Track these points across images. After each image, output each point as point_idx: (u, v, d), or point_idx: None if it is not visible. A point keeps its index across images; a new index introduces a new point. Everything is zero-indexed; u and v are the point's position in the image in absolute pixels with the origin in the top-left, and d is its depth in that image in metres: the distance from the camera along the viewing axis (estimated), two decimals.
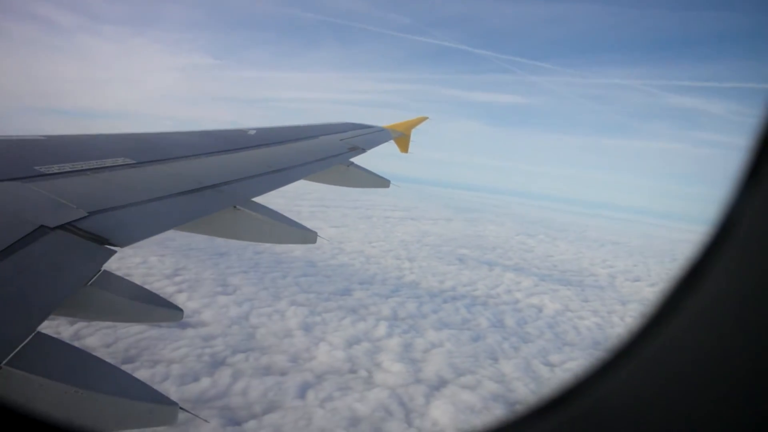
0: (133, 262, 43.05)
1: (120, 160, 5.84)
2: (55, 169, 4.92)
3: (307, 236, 7.13)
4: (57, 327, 28.21)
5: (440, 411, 24.84)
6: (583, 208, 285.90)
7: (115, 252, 4.02)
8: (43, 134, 6.37)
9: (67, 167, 5.08)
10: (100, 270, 3.95)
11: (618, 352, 0.99)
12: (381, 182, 11.39)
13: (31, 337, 2.83)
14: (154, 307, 4.62)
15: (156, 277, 40.53)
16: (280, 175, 7.97)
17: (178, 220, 5.25)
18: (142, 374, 24.38)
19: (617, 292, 58.40)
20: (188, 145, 7.97)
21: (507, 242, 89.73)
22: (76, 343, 16.33)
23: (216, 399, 23.43)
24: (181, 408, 3.43)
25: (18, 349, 2.71)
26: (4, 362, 2.63)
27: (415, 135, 16.25)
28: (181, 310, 4.88)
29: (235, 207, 6.11)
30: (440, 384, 28.21)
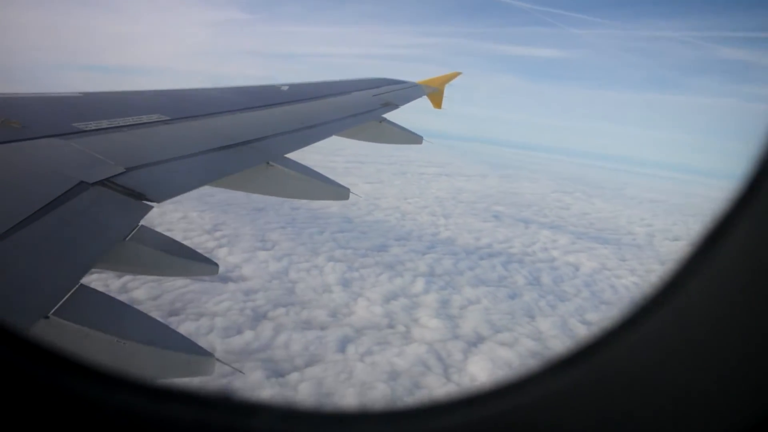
0: (174, 217, 43.91)
1: (155, 117, 5.96)
2: (92, 125, 5.05)
3: (340, 192, 7.10)
4: (105, 280, 29.15)
5: (478, 367, 25.15)
6: (621, 164, 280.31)
7: (151, 207, 4.16)
8: (79, 91, 6.49)
9: (104, 124, 5.21)
10: (137, 225, 4.08)
11: (625, 317, 0.96)
12: (413, 138, 11.28)
13: (75, 289, 2.97)
14: (191, 262, 4.75)
15: (196, 232, 41.35)
16: (313, 131, 7.95)
17: (212, 176, 5.36)
18: (187, 327, 25.16)
19: (656, 252, 57.65)
20: (221, 101, 8.06)
21: (543, 199, 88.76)
22: (123, 296, 16.89)
23: (259, 351, 24.09)
24: (217, 359, 3.56)
25: (63, 300, 2.83)
26: (51, 312, 2.75)
27: (448, 90, 15.97)
28: (216, 264, 5.00)
29: (268, 163, 6.22)
30: (477, 340, 28.48)
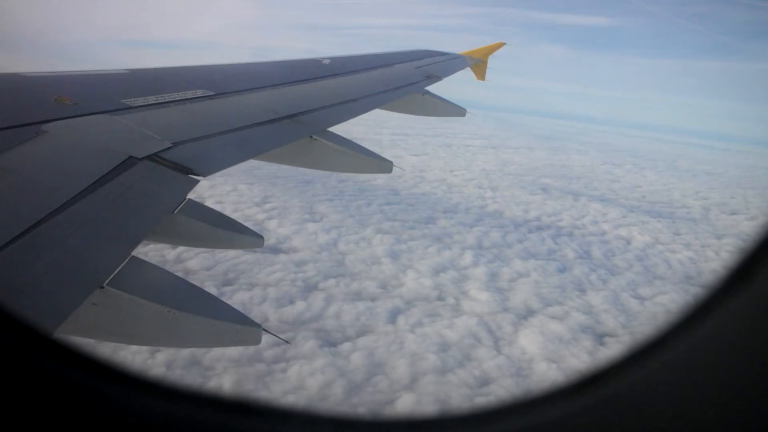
0: (224, 190, 44.70)
1: (200, 92, 6.05)
2: (140, 101, 5.17)
3: (383, 166, 7.12)
4: (161, 250, 29.99)
5: (528, 340, 25.03)
6: (674, 136, 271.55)
7: (198, 181, 4.26)
8: (127, 68, 6.61)
9: (151, 100, 5.33)
10: (185, 198, 4.13)
11: (653, 339, 0.94)
12: (457, 111, 11.11)
13: (127, 260, 3.09)
14: (237, 234, 4.77)
15: (247, 204, 42.03)
16: (355, 105, 7.95)
17: (256, 151, 5.46)
18: (240, 297, 25.74)
19: (711, 226, 55.92)
20: (264, 75, 8.11)
21: (592, 172, 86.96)
22: (178, 266, 17.30)
23: (311, 321, 24.48)
24: (264, 330, 3.61)
25: (116, 271, 2.97)
26: (105, 283, 2.87)
27: (492, 61, 15.62)
28: (261, 237, 5.00)
29: (311, 137, 6.28)
30: (528, 313, 28.31)
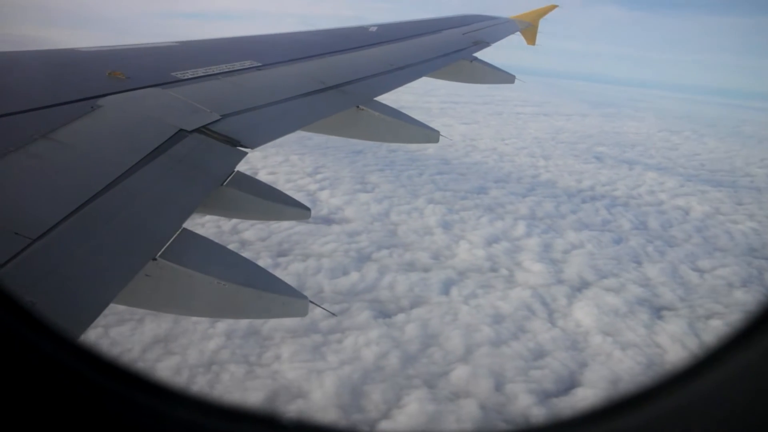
0: (276, 161, 45.19)
1: (247, 63, 6.08)
2: (189, 74, 5.23)
3: (430, 135, 7.04)
4: (217, 221, 30.67)
5: (583, 312, 24.74)
6: (739, 99, 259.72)
7: (246, 153, 4.32)
8: (176, 40, 6.69)
9: (200, 72, 5.39)
10: (233, 170, 4.16)
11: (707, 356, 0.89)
12: (505, 77, 10.84)
13: (178, 233, 3.12)
14: (284, 206, 4.78)
15: (299, 174, 42.45)
16: (402, 73, 7.86)
17: (303, 121, 5.49)
18: (295, 267, 26.19)
19: None
20: (311, 45, 8.09)
21: (648, 139, 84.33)
22: (234, 237, 17.72)
23: (365, 292, 24.76)
24: (311, 302, 3.61)
25: (168, 243, 3.01)
26: (158, 255, 2.92)
27: (543, 25, 15.10)
28: (308, 209, 5.02)
29: (357, 107, 6.24)
30: (582, 285, 27.94)
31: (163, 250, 2.96)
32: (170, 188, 3.48)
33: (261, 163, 44.05)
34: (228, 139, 4.27)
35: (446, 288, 26.04)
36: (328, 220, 33.30)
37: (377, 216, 34.87)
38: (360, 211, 35.30)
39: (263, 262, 26.36)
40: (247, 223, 31.12)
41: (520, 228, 35.69)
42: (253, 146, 4.40)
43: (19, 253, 2.32)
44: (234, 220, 31.27)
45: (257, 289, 3.38)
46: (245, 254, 25.83)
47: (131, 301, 3.18)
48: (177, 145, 3.86)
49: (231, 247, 20.28)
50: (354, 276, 26.01)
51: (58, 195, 2.93)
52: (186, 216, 3.32)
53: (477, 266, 29.12)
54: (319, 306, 3.95)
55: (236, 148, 4.26)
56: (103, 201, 2.93)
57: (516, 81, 11.42)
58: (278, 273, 25.48)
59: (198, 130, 4.18)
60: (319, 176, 42.29)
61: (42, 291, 2.23)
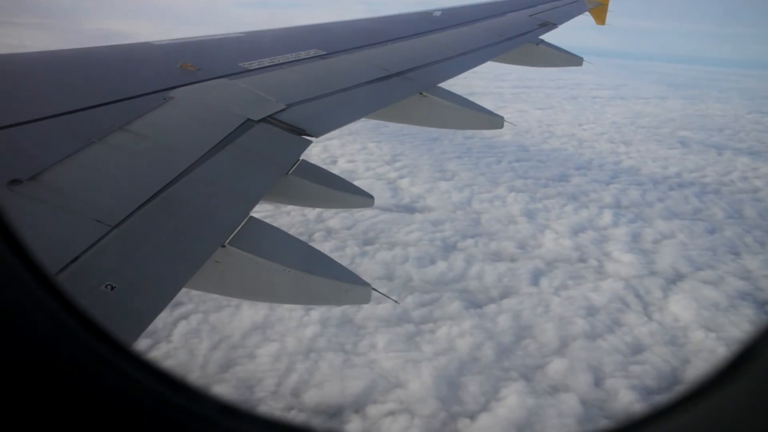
0: (354, 149, 45.49)
1: (312, 52, 6.12)
2: (255, 64, 5.31)
3: (494, 121, 6.92)
4: (302, 209, 31.20)
5: (680, 306, 23.82)
6: None
7: (311, 142, 4.35)
8: (244, 31, 6.75)
9: (266, 62, 5.45)
10: (299, 159, 4.18)
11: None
12: (573, 60, 10.43)
13: (245, 221, 3.20)
14: (348, 194, 4.74)
15: (377, 162, 42.57)
16: (466, 59, 7.76)
17: (367, 109, 5.51)
18: (382, 256, 26.34)
19: None
20: (374, 32, 8.01)
21: (737, 122, 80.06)
22: (320, 225, 17.99)
23: (454, 282, 24.66)
24: (374, 289, 3.59)
25: (236, 231, 3.09)
26: (226, 242, 2.99)
27: (614, 3, 14.35)
28: (371, 197, 4.95)
29: (421, 93, 6.19)
30: (677, 277, 26.90)
31: (231, 237, 3.05)
32: (238, 177, 3.57)
33: (339, 150, 44.48)
34: (293, 128, 4.36)
35: (535, 278, 25.63)
36: (410, 209, 33.33)
37: (459, 204, 34.63)
38: (441, 200, 35.15)
39: (350, 250, 26.70)
40: (331, 211, 31.49)
41: (606, 217, 34.68)
42: (317, 135, 4.46)
43: (100, 240, 2.43)
44: (318, 209, 31.81)
45: (321, 276, 3.43)
46: (331, 243, 26.33)
47: (202, 285, 3.28)
48: (244, 134, 3.99)
49: (317, 235, 20.65)
50: (441, 265, 25.95)
51: (135, 184, 3.08)
52: (253, 204, 3.42)
53: (565, 256, 28.51)
54: (381, 293, 3.94)
55: (301, 136, 4.33)
56: (175, 190, 3.07)
57: (586, 63, 11.02)
58: (365, 262, 25.77)
59: (264, 120, 4.29)
60: (397, 164, 42.30)
61: (120, 276, 2.33)
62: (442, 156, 46.02)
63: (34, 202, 2.56)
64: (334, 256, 25.45)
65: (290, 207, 32.23)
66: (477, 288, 24.33)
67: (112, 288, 2.24)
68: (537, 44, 9.93)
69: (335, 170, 31.67)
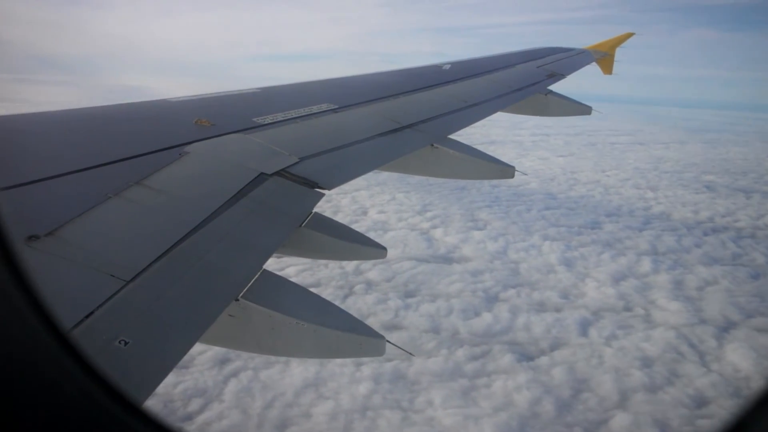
0: (383, 199, 45.64)
1: (324, 106, 6.22)
2: (269, 119, 5.39)
3: (505, 171, 6.83)
4: (340, 262, 31.01)
5: (738, 355, 23.13)
6: None
7: (323, 194, 4.34)
8: (258, 87, 6.86)
9: (279, 116, 5.54)
10: (311, 212, 4.18)
11: None
12: (582, 109, 10.48)
13: (259, 274, 3.19)
14: (361, 246, 4.69)
15: (408, 213, 42.55)
16: (476, 110, 7.78)
17: (379, 161, 5.50)
18: (426, 308, 26.00)
19: None
20: (385, 85, 8.06)
21: (760, 165, 79.82)
22: (359, 278, 17.86)
23: (502, 334, 24.20)
24: (388, 341, 3.50)
25: (250, 284, 3.08)
26: (240, 296, 2.98)
27: (628, 52, 14.41)
28: (384, 248, 4.87)
29: (432, 145, 6.21)
30: (729, 325, 26.22)
31: (245, 290, 3.05)
32: (252, 230, 3.58)
33: (369, 202, 44.64)
34: (306, 180, 4.40)
35: (584, 329, 25.10)
36: (448, 259, 33.08)
37: (495, 254, 34.34)
38: (477, 249, 34.89)
39: (393, 303, 26.40)
40: (369, 263, 31.36)
41: (646, 264, 34.20)
42: (330, 187, 4.50)
43: (114, 295, 2.46)
44: (356, 261, 31.64)
45: (335, 329, 3.38)
46: (373, 295, 26.05)
47: (216, 340, 3.26)
48: (258, 188, 4.03)
49: (358, 288, 20.45)
50: (487, 317, 25.53)
51: (149, 238, 3.09)
52: (266, 257, 3.41)
53: (610, 305, 27.98)
54: (395, 345, 3.84)
55: (314, 189, 4.37)
56: (189, 243, 3.09)
57: (599, 111, 11.07)
58: (410, 314, 25.46)
59: (277, 173, 4.34)
60: (428, 214, 42.26)
61: (133, 331, 2.33)
62: (471, 205, 45.98)
63: (51, 257, 2.60)
64: (377, 309, 25.26)
65: (321, 261, 32.16)
66: (526, 340, 23.84)
67: (126, 344, 2.24)
68: (546, 94, 10.04)
69: (366, 221, 31.77)
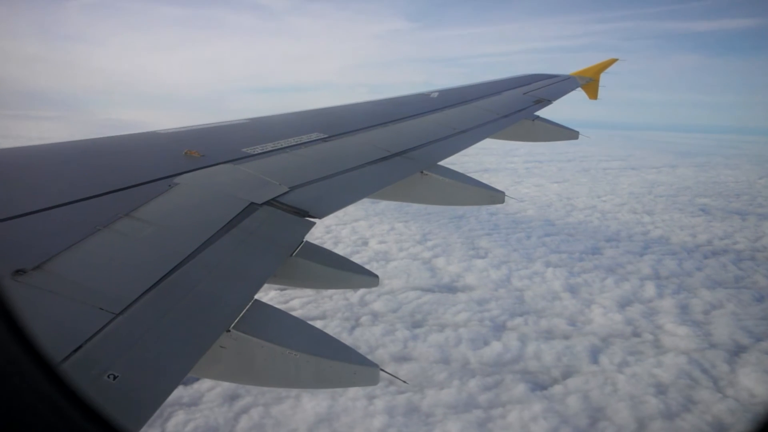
0: (382, 229, 45.50)
1: (314, 135, 6.24)
2: (258, 149, 5.40)
3: (495, 196, 6.79)
4: (344, 293, 30.81)
5: (752, 380, 22.94)
6: None
7: (314, 224, 4.33)
8: (247, 118, 6.90)
9: (269, 146, 5.55)
10: (302, 241, 4.15)
11: None
12: (569, 134, 10.54)
13: (250, 304, 3.15)
14: (352, 274, 4.64)
15: (409, 242, 42.40)
16: (465, 136, 7.77)
17: (369, 189, 5.45)
18: (435, 338, 25.74)
19: None
20: (373, 114, 8.10)
21: (751, 187, 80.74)
22: (365, 309, 17.67)
23: (513, 363, 23.94)
24: (382, 370, 3.46)
25: (241, 315, 3.04)
26: (231, 326, 2.94)
27: (616, 78, 14.57)
28: (376, 276, 4.79)
29: (422, 172, 6.20)
30: (739, 349, 26.08)
31: (236, 321, 3.01)
32: (242, 260, 3.55)
33: (368, 232, 44.49)
34: (296, 210, 4.40)
35: (594, 356, 24.88)
36: (452, 289, 32.89)
37: (499, 282, 34.19)
38: (481, 278, 34.74)
39: (401, 333, 26.12)
40: (373, 294, 31.17)
41: (650, 289, 34.15)
42: (320, 216, 4.50)
43: (103, 328, 2.43)
44: (360, 292, 31.40)
45: (328, 359, 3.34)
46: (380, 327, 25.72)
47: (207, 372, 3.23)
48: (248, 218, 4.00)
49: (364, 319, 20.20)
50: (496, 346, 25.27)
51: (139, 270, 3.05)
52: (258, 287, 3.38)
53: (618, 331, 27.81)
54: (389, 374, 3.73)
55: (304, 218, 4.36)
56: (179, 275, 3.06)
57: (586, 136, 11.16)
58: (419, 345, 25.18)
59: (268, 203, 4.33)
60: (429, 243, 42.16)
61: (123, 364, 2.30)
62: (471, 233, 45.95)
63: (38, 291, 2.58)
64: (386, 340, 24.92)
65: (332, 291, 31.83)
66: (537, 368, 23.58)
67: (115, 377, 2.21)
68: (533, 120, 10.13)
69: (368, 252, 31.51)
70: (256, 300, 3.26)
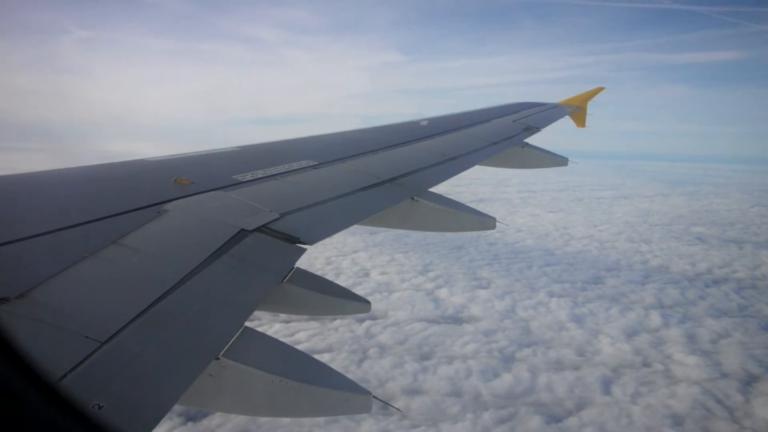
0: (383, 260, 45.24)
1: (304, 163, 6.23)
2: (249, 176, 5.40)
3: (486, 222, 6.76)
4: (349, 325, 30.44)
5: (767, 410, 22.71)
6: None
7: (305, 250, 4.31)
8: (238, 145, 6.92)
9: (260, 174, 5.57)
10: (293, 268, 4.10)
11: None
12: (558, 161, 10.62)
13: (240, 331, 3.11)
14: (344, 300, 4.59)
15: (410, 273, 42.14)
16: (455, 163, 7.80)
17: (360, 216, 5.40)
18: (445, 371, 25.37)
19: None
20: (364, 141, 8.15)
21: (744, 216, 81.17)
22: (371, 341, 17.40)
23: (525, 395, 23.57)
24: (374, 397, 3.42)
25: (230, 342, 3.00)
26: (220, 354, 2.90)
27: (594, 106, 14.75)
28: (368, 302, 4.75)
29: (413, 198, 6.18)
30: (751, 378, 25.87)
31: (225, 349, 2.97)
32: (232, 287, 3.52)
33: (369, 263, 44.20)
34: (287, 236, 4.37)
35: (605, 386, 24.59)
36: (457, 320, 32.59)
37: (504, 313, 33.93)
38: (486, 309, 34.47)
39: (410, 366, 25.72)
40: (379, 326, 30.82)
41: (655, 318, 33.99)
42: (311, 242, 4.45)
43: (88, 357, 2.38)
44: (365, 324, 31.03)
45: (320, 386, 3.28)
46: (388, 359, 25.28)
47: (196, 401, 3.17)
48: (238, 244, 3.97)
49: (371, 351, 19.82)
50: (507, 378, 24.93)
51: (126, 298, 3.01)
52: (248, 314, 3.33)
53: (628, 362, 27.55)
54: (382, 401, 3.70)
55: (295, 245, 4.32)
56: (167, 302, 3.01)
57: (575, 162, 11.25)
58: (428, 378, 24.78)
59: (258, 230, 4.30)
60: (431, 274, 41.93)
61: (109, 393, 2.27)
62: (472, 263, 45.77)
63: (21, 319, 2.54)
64: (395, 373, 24.49)
65: (338, 322, 31.46)
66: (550, 400, 23.23)
67: (100, 407, 2.16)
68: (522, 147, 10.18)
69: (370, 283, 31.17)
70: (246, 327, 3.21)
